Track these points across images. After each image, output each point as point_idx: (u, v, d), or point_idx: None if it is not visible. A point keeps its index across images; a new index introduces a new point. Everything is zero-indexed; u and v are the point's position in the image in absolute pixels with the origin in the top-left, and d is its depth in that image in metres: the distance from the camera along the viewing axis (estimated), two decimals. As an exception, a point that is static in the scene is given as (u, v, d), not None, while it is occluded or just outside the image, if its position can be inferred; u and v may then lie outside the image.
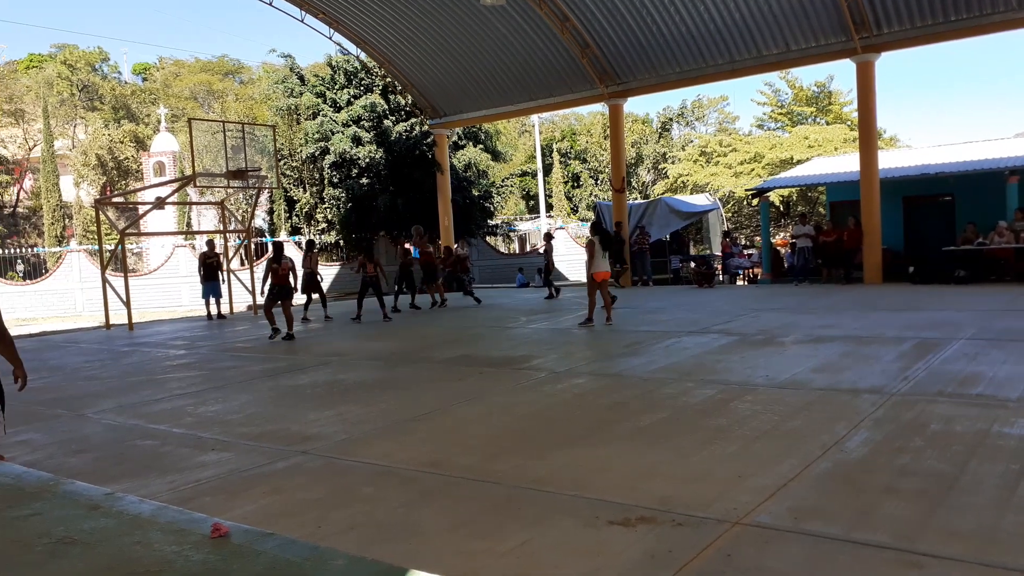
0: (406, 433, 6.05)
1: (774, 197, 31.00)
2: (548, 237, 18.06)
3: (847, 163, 21.89)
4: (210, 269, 17.73)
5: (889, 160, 20.83)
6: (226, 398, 7.99)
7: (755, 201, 27.10)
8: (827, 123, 35.93)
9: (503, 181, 34.52)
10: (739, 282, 22.78)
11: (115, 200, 32.38)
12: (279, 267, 13.02)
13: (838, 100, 36.86)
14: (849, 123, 34.03)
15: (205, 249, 18.52)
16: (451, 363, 9.43)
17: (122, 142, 42.93)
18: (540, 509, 4.14)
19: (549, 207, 42.82)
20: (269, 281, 13.21)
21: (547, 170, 44.02)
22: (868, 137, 17.94)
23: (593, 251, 12.23)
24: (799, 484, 4.29)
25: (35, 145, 44.71)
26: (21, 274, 32.06)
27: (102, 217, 19.47)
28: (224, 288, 18.43)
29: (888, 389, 6.47)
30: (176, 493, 4.70)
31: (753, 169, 33.22)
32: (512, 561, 3.53)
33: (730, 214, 35.77)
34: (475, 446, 5.50)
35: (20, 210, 44.89)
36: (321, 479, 4.96)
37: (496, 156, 32.94)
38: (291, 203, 32.80)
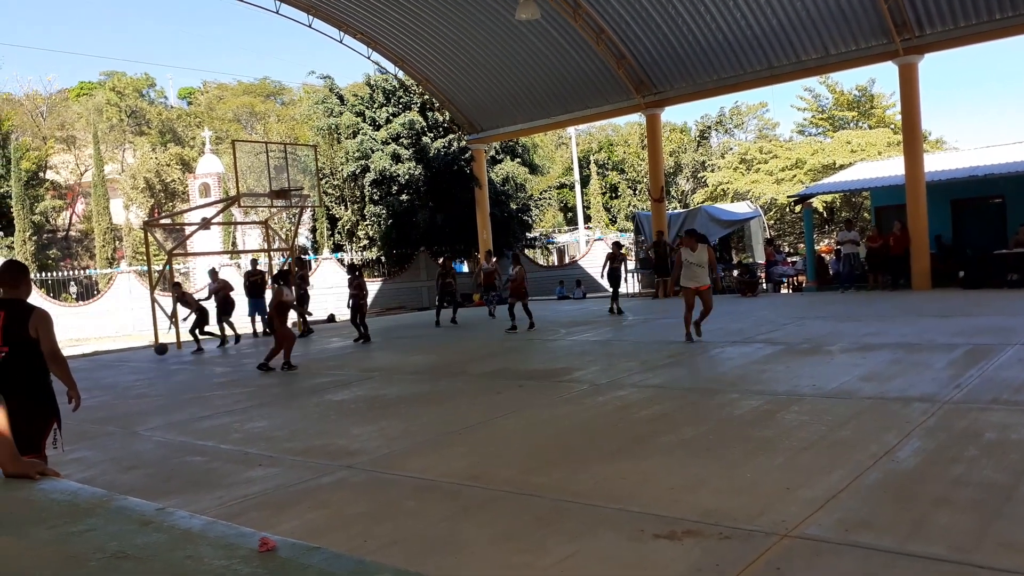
0: (447, 447, 6.07)
1: (817, 203, 30.54)
2: (516, 259, 15.74)
3: (892, 167, 21.48)
4: (255, 287, 18.04)
5: (936, 163, 20.39)
6: (271, 414, 8.10)
7: (798, 208, 26.72)
8: (870, 127, 35.30)
9: (541, 194, 34.58)
10: (783, 290, 22.43)
11: (163, 222, 33.15)
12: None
13: (880, 103, 36.20)
14: (893, 126, 33.39)
15: (249, 268, 18.88)
16: (490, 376, 9.44)
17: (169, 165, 43.99)
18: (583, 523, 4.11)
19: (587, 218, 42.73)
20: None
21: (585, 181, 43.96)
22: (913, 140, 17.59)
23: (681, 260, 11.14)
24: (849, 495, 4.19)
25: (86, 170, 46.08)
26: (74, 296, 32.96)
27: (150, 238, 19.95)
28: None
29: (940, 397, 6.30)
30: (224, 508, 4.77)
31: (795, 175, 32.77)
32: (556, 575, 3.51)
33: (772, 221, 35.30)
34: (516, 459, 5.49)
35: (73, 233, 46.23)
36: (365, 493, 5.00)
37: (533, 169, 33.01)
38: (333, 221, 33.23)
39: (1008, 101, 70.10)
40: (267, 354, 11.42)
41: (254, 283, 18.06)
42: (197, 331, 16.07)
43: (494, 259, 17.06)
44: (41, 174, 43.38)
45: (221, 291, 16.62)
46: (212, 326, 16.72)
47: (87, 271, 35.85)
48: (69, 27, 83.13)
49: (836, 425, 5.72)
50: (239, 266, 30.96)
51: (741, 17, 18.29)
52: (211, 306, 16.95)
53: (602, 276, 17.67)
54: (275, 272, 17.68)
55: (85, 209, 45.14)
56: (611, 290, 17.25)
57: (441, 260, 18.55)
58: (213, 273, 17.44)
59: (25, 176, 36.84)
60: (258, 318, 18.32)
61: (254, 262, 19.32)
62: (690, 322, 11.02)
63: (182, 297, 16.66)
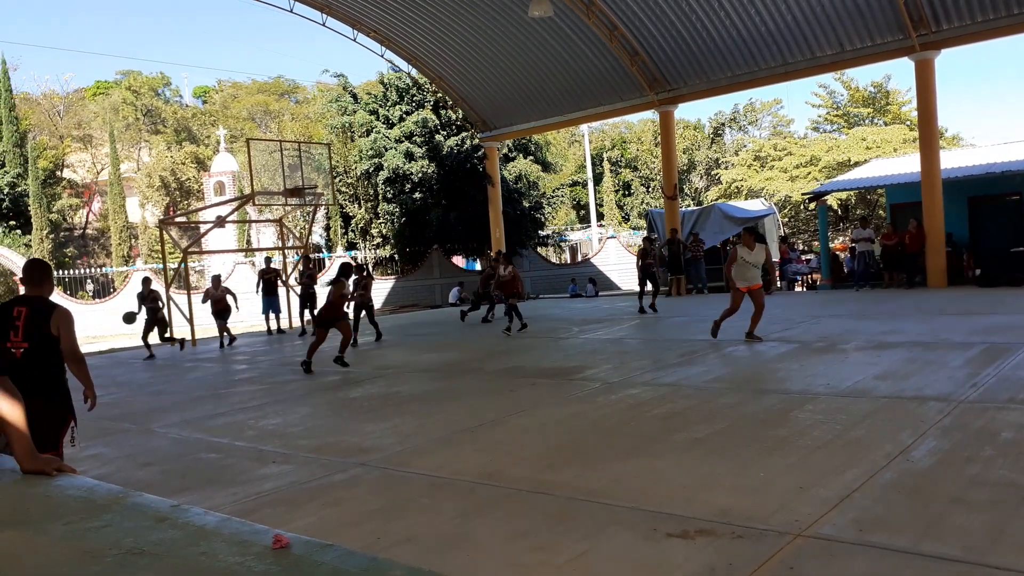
0: (460, 444, 6.08)
1: (832, 201, 30.34)
2: (507, 259, 14.95)
3: (907, 164, 21.32)
4: (268, 285, 18.12)
5: (952, 159, 20.20)
6: (286, 411, 8.15)
7: (812, 205, 26.57)
8: (885, 124, 35.03)
9: (554, 192, 34.56)
10: (797, 288, 22.32)
11: (178, 220, 33.37)
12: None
13: (896, 100, 35.93)
14: (909, 123, 33.12)
15: (263, 266, 18.97)
16: (503, 374, 9.45)
17: (184, 163, 44.31)
18: (596, 521, 4.11)
19: (600, 216, 42.66)
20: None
21: (598, 179, 43.88)
22: (929, 136, 17.45)
23: (736, 258, 10.52)
24: (863, 495, 4.17)
25: (103, 169, 46.46)
26: (91, 293, 33.26)
27: (166, 236, 20.10)
28: (284, 303, 18.82)
29: (956, 396, 6.26)
30: (239, 505, 4.81)
31: (809, 173, 32.57)
32: (569, 573, 3.51)
33: (787, 219, 35.11)
34: (529, 457, 5.49)
35: (89, 231, 46.63)
36: (378, 491, 5.02)
37: (546, 167, 33.01)
38: (347, 219, 33.37)
39: (1026, 97, 69.35)
40: (340, 347, 11.10)
41: (268, 281, 18.14)
42: (152, 336, 15.60)
43: (511, 267, 14.76)
44: (58, 173, 43.79)
45: (220, 301, 16.23)
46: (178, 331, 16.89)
47: (103, 269, 36.14)
48: (86, 27, 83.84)
49: (850, 424, 5.68)
50: (253, 264, 31.13)
51: (755, 13, 18.19)
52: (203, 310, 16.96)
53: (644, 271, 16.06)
54: (307, 267, 17.71)
55: (101, 207, 45.51)
56: (646, 288, 15.97)
57: (494, 254, 17.67)
58: (216, 280, 16.90)
59: (42, 175, 37.21)
60: (272, 316, 18.40)
61: (268, 260, 19.41)
62: (724, 320, 10.56)
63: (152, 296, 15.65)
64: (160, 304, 15.60)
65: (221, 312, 16.32)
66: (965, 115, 66.95)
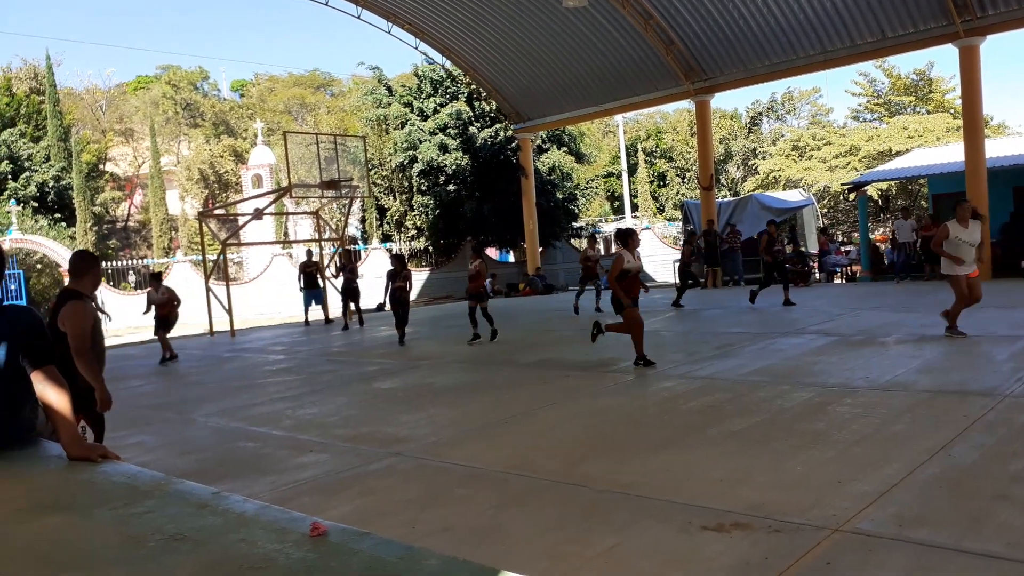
0: (494, 436, 6.10)
1: (872, 191, 29.76)
2: (477, 253, 12.91)
3: (951, 153, 20.83)
4: (309, 277, 18.27)
5: (997, 148, 19.69)
6: (323, 401, 8.24)
7: (852, 196, 26.09)
8: (928, 112, 34.23)
9: (587, 183, 34.37)
10: (836, 280, 21.96)
11: (216, 212, 33.88)
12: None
13: (939, 87, 35.06)
14: (952, 111, 32.31)
15: (304, 259, 19.16)
16: (536, 366, 9.46)
17: (222, 156, 44.93)
18: (630, 514, 4.10)
19: (635, 207, 42.36)
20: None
21: (632, 170, 43.55)
22: (973, 125, 17.02)
23: (948, 235, 8.96)
24: (903, 490, 4.10)
25: (143, 162, 47.30)
26: (132, 285, 33.93)
27: (205, 229, 20.42)
28: (325, 295, 18.99)
29: (1000, 391, 6.11)
30: (277, 493, 4.88)
31: (849, 163, 31.97)
32: (602, 566, 3.51)
33: (826, 210, 34.54)
34: (562, 449, 5.49)
35: (131, 224, 47.56)
36: (413, 480, 5.06)
37: (580, 158, 32.84)
38: (382, 211, 33.56)
39: (1077, 83, 67.25)
40: (636, 348, 8.91)
41: (309, 274, 18.27)
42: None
43: (477, 261, 12.61)
44: (101, 166, 44.67)
45: (164, 306, 13.52)
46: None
47: (144, 260, 36.85)
48: (126, 22, 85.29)
49: (890, 419, 5.59)
50: (291, 256, 31.50)
51: (794, 0, 17.87)
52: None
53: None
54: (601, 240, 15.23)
55: (143, 200, 46.36)
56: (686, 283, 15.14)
57: (588, 238, 16.21)
58: (156, 280, 14.06)
59: (86, 168, 37.98)
60: (312, 308, 18.57)
61: (309, 252, 19.60)
62: (958, 315, 8.99)
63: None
64: (175, 303, 13.63)
65: (165, 320, 13.48)
66: (1011, 103, 65.15)
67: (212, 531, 2.10)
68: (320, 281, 18.67)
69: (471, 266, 12.53)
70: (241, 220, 26.84)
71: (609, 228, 42.90)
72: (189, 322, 26.82)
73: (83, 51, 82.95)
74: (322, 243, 21.52)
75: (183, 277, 30.14)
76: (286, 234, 38.03)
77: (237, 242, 28.74)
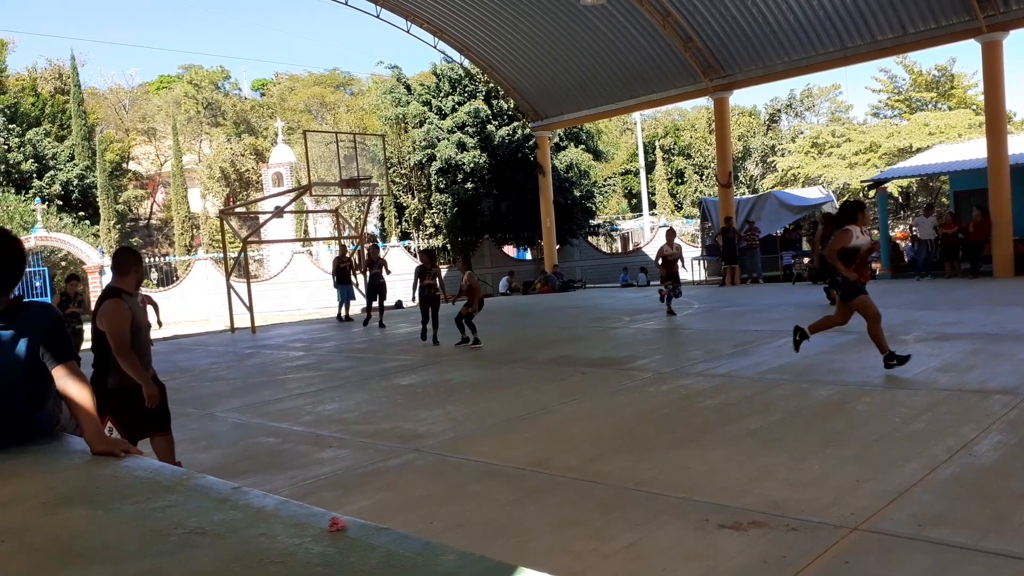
0: (511, 432, 6.12)
1: (892, 188, 29.48)
2: (466, 263, 12.48)
3: (972, 150, 20.57)
4: (343, 273, 18.30)
5: (1020, 145, 19.41)
6: (342, 397, 8.30)
7: (872, 193, 25.83)
8: (949, 108, 33.82)
9: (605, 180, 34.33)
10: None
11: (237, 210, 34.16)
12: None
13: (961, 83, 34.64)
14: (975, 107, 31.92)
15: (338, 254, 19.19)
16: (553, 363, 9.46)
17: (243, 155, 45.25)
18: (647, 511, 4.11)
19: (652, 204, 42.20)
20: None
21: (650, 167, 43.39)
22: (996, 121, 16.82)
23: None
24: (922, 490, 4.07)
25: (165, 161, 47.78)
26: (155, 282, 34.28)
27: (226, 227, 20.59)
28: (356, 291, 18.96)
29: (1022, 390, 6.05)
30: (296, 488, 4.93)
31: (869, 159, 31.68)
32: (619, 563, 3.51)
33: (845, 207, 34.18)
34: (579, 446, 5.50)
35: (153, 222, 48.04)
36: (431, 476, 5.09)
37: (598, 156, 32.78)
38: (400, 209, 33.71)
39: (1104, 78, 66.09)
40: (879, 345, 7.32)
41: (343, 270, 18.29)
42: None
43: (467, 273, 12.01)
44: (124, 165, 45.17)
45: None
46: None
47: (167, 258, 37.19)
48: (149, 22, 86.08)
49: (910, 417, 5.54)
50: (311, 253, 31.68)
51: (814, -4, 17.73)
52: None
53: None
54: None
55: (165, 198, 46.80)
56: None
57: (667, 230, 14.24)
58: (72, 283, 12.38)
59: (109, 167, 38.43)
60: (347, 303, 18.58)
61: (343, 248, 19.63)
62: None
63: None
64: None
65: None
66: (1037, 98, 64.13)
67: (232, 525, 2.13)
68: (353, 277, 18.69)
69: (463, 280, 11.88)
70: (262, 218, 27.06)
71: (627, 225, 42.81)
72: (211, 318, 27.08)
73: (106, 51, 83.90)
74: (341, 240, 21.64)
75: (204, 274, 30.43)
76: (306, 232, 38.26)
77: (258, 240, 28.97)
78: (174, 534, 2.07)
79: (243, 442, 6.57)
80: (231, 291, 18.35)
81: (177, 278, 32.96)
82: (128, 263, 4.70)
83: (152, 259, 36.13)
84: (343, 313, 18.52)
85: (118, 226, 37.18)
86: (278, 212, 20.67)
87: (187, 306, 29.57)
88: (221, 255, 24.10)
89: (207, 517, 2.19)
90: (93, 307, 4.66)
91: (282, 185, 37.18)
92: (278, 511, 2.23)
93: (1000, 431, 5.02)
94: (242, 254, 20.22)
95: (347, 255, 18.94)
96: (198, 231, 42.27)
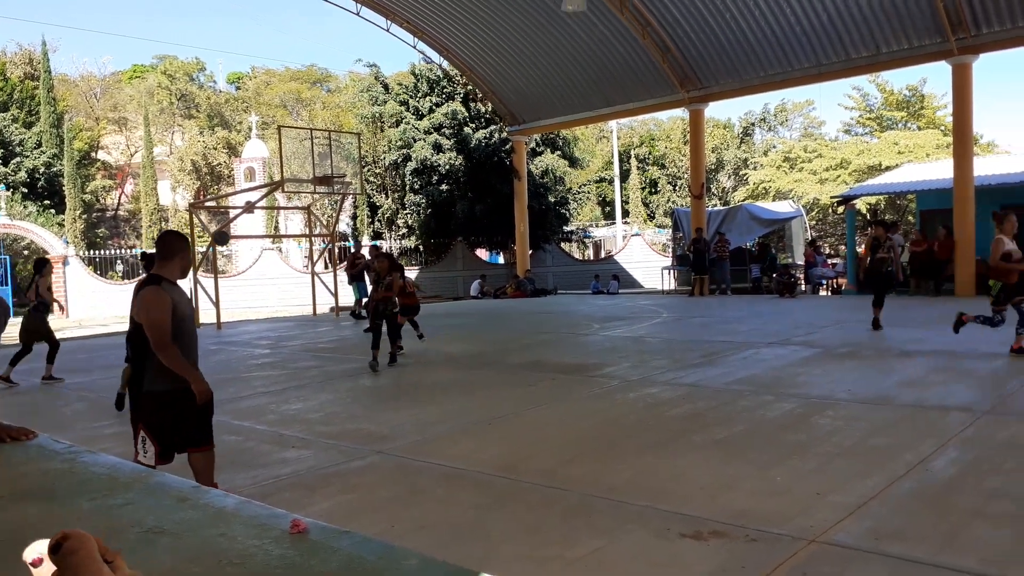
0: (478, 436, 6.11)
1: (861, 205, 29.93)
2: (394, 264, 10.85)
3: (940, 170, 20.97)
4: (357, 270, 17.96)
5: (986, 167, 19.85)
6: (307, 397, 8.23)
7: (841, 209, 26.25)
8: (919, 128, 34.48)
9: (580, 187, 34.46)
10: (822, 292, 22.09)
11: (208, 204, 33.73)
12: None
13: (931, 104, 35.31)
14: (943, 128, 32.55)
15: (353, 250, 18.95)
16: (523, 368, 9.47)
17: (215, 148, 44.73)
18: (611, 518, 4.13)
19: (625, 213, 42.47)
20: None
21: (624, 176, 43.66)
22: (963, 143, 17.16)
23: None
24: (881, 504, 4.14)
25: (136, 151, 47.06)
26: (120, 273, 33.73)
27: (195, 220, 20.34)
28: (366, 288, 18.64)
29: (980, 407, 6.18)
30: (258, 488, 4.88)
31: (839, 176, 32.16)
32: (582, 569, 3.53)
33: (814, 222, 34.71)
34: (547, 452, 5.51)
35: (121, 213, 47.28)
36: (395, 479, 5.06)
37: (573, 162, 32.92)
38: (374, 209, 33.53)
39: (1067, 105, 67.88)
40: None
41: (357, 267, 17.99)
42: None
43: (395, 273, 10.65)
44: (93, 154, 44.42)
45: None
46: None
47: (134, 250, 36.64)
48: (125, 9, 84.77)
49: (871, 432, 5.64)
50: (280, 250, 31.40)
51: (791, 12, 17.98)
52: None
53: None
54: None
55: (134, 190, 46.10)
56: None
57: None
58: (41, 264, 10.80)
59: (77, 155, 37.74)
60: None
61: (358, 244, 19.39)
62: None
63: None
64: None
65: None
66: (1001, 121, 65.67)
67: (191, 525, 2.10)
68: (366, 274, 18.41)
69: (385, 279, 10.28)
70: (232, 213, 26.76)
71: (599, 233, 43.00)
72: (176, 313, 26.76)
73: (80, 38, 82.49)
74: (312, 239, 21.47)
75: (171, 268, 30.02)
76: (276, 229, 37.92)
77: (228, 235, 28.56)
78: (131, 532, 2.03)
79: (206, 439, 6.47)
80: (198, 286, 18.11)
81: (143, 270, 32.48)
82: (173, 248, 4.15)
83: (118, 250, 35.57)
84: (357, 310, 18.18)
85: (84, 216, 36.56)
86: (249, 207, 20.47)
87: (153, 299, 29.09)
88: (190, 249, 23.78)
89: (166, 516, 2.16)
90: (132, 296, 4.24)
91: (254, 180, 36.80)
92: (238, 511, 2.20)
93: (957, 448, 5.12)
94: (211, 249, 19.97)
95: (360, 252, 18.63)
96: (167, 224, 41.70)
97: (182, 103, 50.91)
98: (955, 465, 4.78)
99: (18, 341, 10.50)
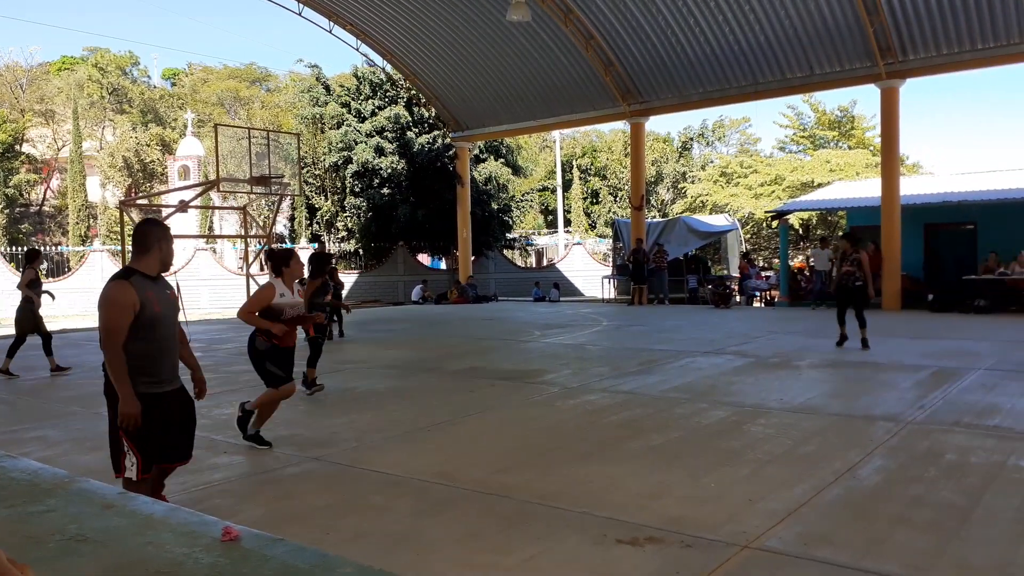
0: (417, 443, 6.06)
1: (794, 220, 30.86)
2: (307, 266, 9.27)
3: (868, 188, 21.78)
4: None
5: (911, 186, 20.69)
6: (239, 402, 8.02)
7: (774, 223, 27.00)
8: (849, 147, 35.74)
9: (523, 196, 34.61)
10: (756, 304, 22.65)
11: (139, 202, 32.73)
12: None
13: (861, 125, 36.67)
14: (872, 148, 33.83)
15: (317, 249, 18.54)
16: (464, 375, 9.44)
17: (148, 145, 43.49)
18: (548, 525, 4.13)
19: (567, 222, 42.84)
20: None
21: (567, 186, 44.06)
22: (890, 163, 17.86)
23: None
24: (810, 510, 4.26)
25: (64, 145, 45.37)
26: (44, 272, 32.46)
27: (126, 218, 19.72)
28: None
29: (904, 417, 6.41)
30: (188, 494, 4.73)
31: (773, 191, 33.08)
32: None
33: (749, 236, 35.60)
34: (485, 459, 5.50)
35: (46, 208, 45.51)
36: (331, 486, 4.98)
37: (517, 171, 33.07)
38: (312, 211, 33.04)
39: (986, 129, 71.38)
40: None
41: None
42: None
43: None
44: (17, 147, 42.67)
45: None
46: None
47: (59, 248, 35.32)
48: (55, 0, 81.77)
49: (801, 440, 5.79)
50: (215, 251, 30.67)
51: (729, 32, 18.44)
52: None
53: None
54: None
55: (60, 185, 44.48)
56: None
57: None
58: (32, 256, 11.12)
59: (0, 148, 36.20)
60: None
61: (323, 244, 19.00)
62: None
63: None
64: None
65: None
66: (926, 144, 68.59)
67: (117, 533, 2.02)
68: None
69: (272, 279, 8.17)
70: (165, 212, 26.01)
71: (542, 241, 43.28)
72: (103, 314, 25.85)
73: (4, 26, 79.17)
74: (248, 240, 21.04)
75: (99, 267, 29.02)
76: (211, 229, 37.05)
77: (159, 234, 27.75)
78: (52, 541, 1.95)
79: (132, 444, 6.25)
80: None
81: (69, 269, 31.33)
82: (149, 238, 3.74)
83: (42, 248, 34.22)
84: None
85: (6, 211, 35.08)
86: (182, 206, 19.96)
87: (80, 299, 28.11)
88: (119, 248, 23.03)
89: (89, 523, 2.07)
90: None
91: (188, 179, 35.92)
92: (167, 518, 2.13)
93: (882, 456, 5.30)
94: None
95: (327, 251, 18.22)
96: (95, 221, 40.31)
97: (114, 97, 49.35)
98: (880, 473, 4.94)
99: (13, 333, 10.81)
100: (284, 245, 31.35)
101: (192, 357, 4.30)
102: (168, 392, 3.85)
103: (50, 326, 11.84)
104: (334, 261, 13.18)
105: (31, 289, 10.72)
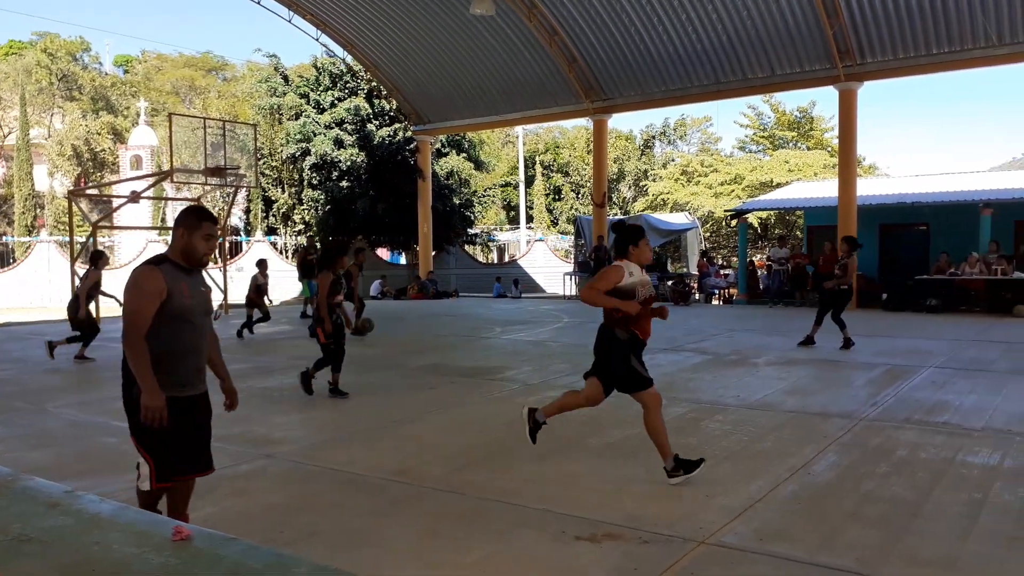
0: (374, 440, 6.00)
1: (753, 219, 31.34)
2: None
3: (826, 188, 22.19)
4: (308, 267, 17.07)
5: (867, 188, 21.14)
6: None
7: (734, 222, 27.39)
8: (808, 148, 36.40)
9: (485, 191, 34.58)
10: (714, 302, 22.94)
11: (89, 192, 31.95)
12: None
13: (819, 126, 37.37)
14: (829, 149, 34.50)
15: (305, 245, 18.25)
16: (423, 371, 9.39)
17: (99, 134, 42.44)
18: (507, 522, 4.12)
19: (530, 219, 42.92)
20: None
21: (529, 182, 44.12)
22: (847, 164, 18.21)
23: None
24: (766, 506, 4.31)
25: (10, 132, 44.05)
26: (-10, 262, 31.49)
27: (75, 208, 19.20)
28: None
29: (857, 414, 6.53)
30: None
31: (733, 190, 33.55)
32: (477, 573, 3.51)
33: (708, 234, 36.06)
34: (444, 456, 5.46)
35: (-9, 197, 44.13)
36: (285, 484, 4.90)
37: (479, 165, 33.00)
38: (269, 203, 32.61)
39: (941, 132, 73.29)
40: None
41: (308, 263, 17.08)
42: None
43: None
44: (-40, 133, 41.33)
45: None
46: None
47: (4, 238, 34.32)
48: (1, -19, 79.18)
49: (757, 436, 5.87)
50: (167, 243, 30.06)
51: (692, 31, 18.61)
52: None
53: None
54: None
55: (6, 174, 43.16)
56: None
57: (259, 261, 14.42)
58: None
59: (-57, 133, 35.04)
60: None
61: (310, 239, 18.65)
62: None
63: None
64: None
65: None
66: (883, 146, 70.19)
67: (63, 533, 1.95)
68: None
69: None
70: (116, 202, 25.43)
71: (504, 237, 43.30)
72: (50, 306, 25.11)
73: (-52, 6, 76.44)
74: (308, 234, 20.65)
75: (46, 258, 28.26)
76: (164, 220, 36.32)
77: (110, 225, 27.17)
78: (-8, 542, 1.87)
79: (79, 441, 6.10)
80: (75, 277, 17.09)
81: (14, 260, 30.44)
82: (179, 221, 3.51)
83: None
84: (306, 310, 17.42)
85: (-50, 199, 33.98)
86: (134, 197, 19.49)
87: (25, 291, 27.35)
88: (67, 239, 22.43)
89: (34, 523, 2.00)
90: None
91: (141, 169, 35.14)
92: (116, 517, 2.07)
93: (836, 452, 5.40)
94: (91, 239, 18.88)
95: (313, 248, 17.87)
96: (42, 211, 39.24)
97: (63, 84, 48.02)
98: (834, 469, 5.03)
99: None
100: (241, 238, 30.86)
101: (222, 364, 3.88)
102: (191, 397, 3.55)
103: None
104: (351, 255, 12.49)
105: None
